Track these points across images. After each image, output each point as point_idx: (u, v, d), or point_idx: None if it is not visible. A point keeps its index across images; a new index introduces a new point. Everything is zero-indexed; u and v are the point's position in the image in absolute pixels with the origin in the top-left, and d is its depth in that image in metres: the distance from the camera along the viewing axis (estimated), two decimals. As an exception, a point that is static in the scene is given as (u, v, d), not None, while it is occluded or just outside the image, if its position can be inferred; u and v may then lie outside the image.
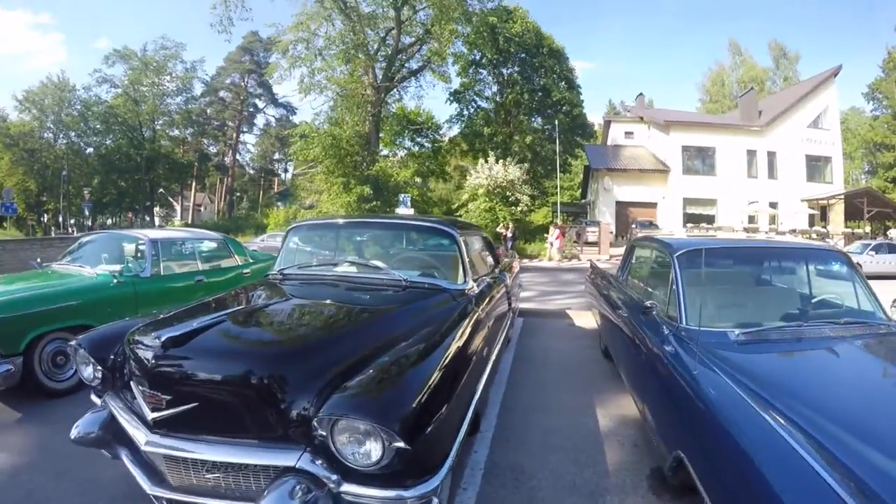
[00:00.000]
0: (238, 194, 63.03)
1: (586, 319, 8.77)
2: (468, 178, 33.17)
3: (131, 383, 2.85)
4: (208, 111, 55.62)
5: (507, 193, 31.26)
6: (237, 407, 2.52)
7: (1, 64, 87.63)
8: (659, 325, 3.76)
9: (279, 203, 51.22)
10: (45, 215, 52.20)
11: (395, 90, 35.72)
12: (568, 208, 43.40)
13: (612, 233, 31.77)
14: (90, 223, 45.24)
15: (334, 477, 2.28)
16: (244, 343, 2.92)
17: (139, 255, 6.75)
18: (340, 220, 5.42)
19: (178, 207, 59.03)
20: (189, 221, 51.71)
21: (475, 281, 4.42)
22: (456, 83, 41.89)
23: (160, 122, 50.92)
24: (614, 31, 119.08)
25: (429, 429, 2.34)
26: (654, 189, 35.80)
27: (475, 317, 3.88)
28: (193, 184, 56.66)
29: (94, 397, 3.41)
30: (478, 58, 41.23)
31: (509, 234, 26.80)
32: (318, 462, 2.32)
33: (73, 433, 3.04)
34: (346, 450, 2.24)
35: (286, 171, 66.21)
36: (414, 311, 3.57)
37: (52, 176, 47.76)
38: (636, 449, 4.10)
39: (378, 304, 3.72)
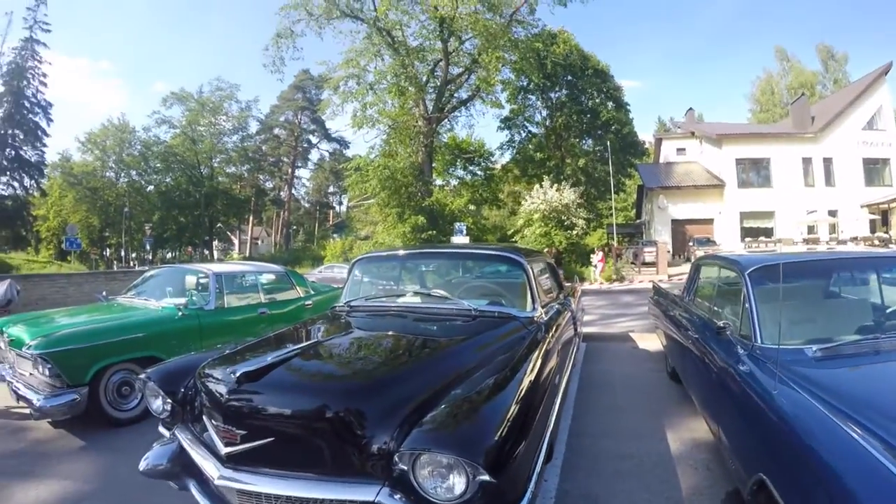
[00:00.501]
0: (294, 227, 64.22)
1: (650, 342, 8.61)
2: (522, 203, 33.05)
3: (203, 417, 2.89)
4: (264, 148, 56.92)
5: (563, 217, 31.01)
6: (314, 442, 2.52)
7: (65, 110, 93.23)
8: (732, 344, 3.64)
9: (335, 235, 52.04)
10: (108, 250, 54.01)
11: (446, 120, 36.00)
12: (623, 229, 42.84)
13: (669, 252, 31.16)
14: (150, 257, 47.46)
15: None
16: (319, 377, 2.95)
17: (203, 288, 6.91)
18: (405, 251, 5.44)
19: (236, 241, 60.50)
20: (247, 255, 52.84)
21: (543, 307, 4.37)
22: (506, 110, 42.18)
23: (217, 159, 52.33)
24: (658, 49, 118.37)
25: (510, 460, 2.30)
26: (709, 205, 34.94)
27: (546, 345, 3.82)
28: (251, 218, 57.95)
29: (161, 429, 3.47)
30: (526, 84, 41.15)
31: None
32: (397, 496, 2.29)
33: (143, 465, 3.11)
34: (428, 484, 2.21)
35: (341, 203, 67.41)
36: (485, 340, 3.53)
37: (114, 212, 49.40)
38: (709, 472, 3.98)
39: (449, 334, 3.71)
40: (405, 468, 2.24)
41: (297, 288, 8.17)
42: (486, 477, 2.10)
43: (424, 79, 33.37)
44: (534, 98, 43.83)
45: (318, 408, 2.53)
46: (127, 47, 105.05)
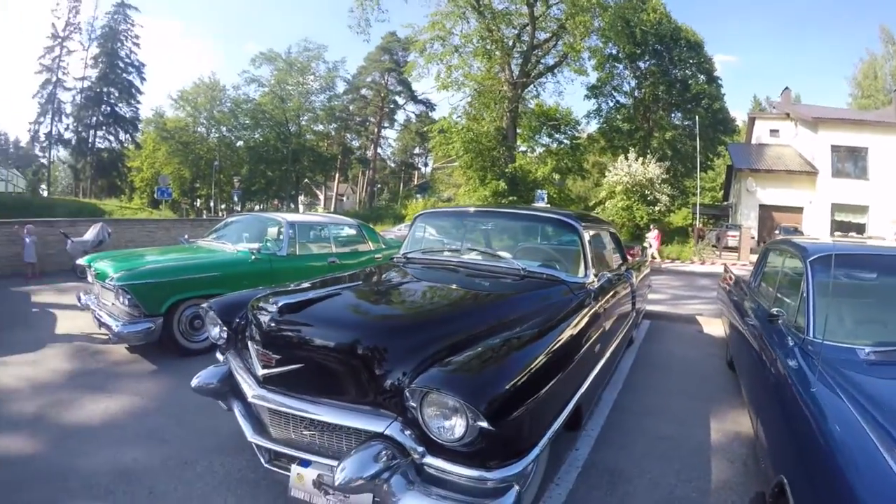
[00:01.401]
0: (379, 186, 65.16)
1: (716, 327, 8.31)
2: (606, 175, 32.33)
3: (249, 343, 3.11)
4: (351, 107, 57.67)
5: (646, 192, 30.18)
6: (339, 371, 2.69)
7: (159, 69, 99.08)
8: (785, 335, 3.41)
9: (418, 195, 52.44)
10: (198, 200, 56.79)
11: (532, 86, 35.34)
12: (708, 210, 40.93)
13: (753, 238, 29.60)
14: (238, 209, 48.63)
15: (420, 448, 2.36)
16: (354, 313, 3.11)
17: (278, 235, 7.33)
18: (465, 209, 5.59)
19: (321, 197, 61.74)
20: (331, 210, 53.98)
21: (596, 276, 4.31)
22: (592, 78, 40.83)
23: (305, 117, 53.42)
24: (756, 23, 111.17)
25: (517, 413, 2.34)
26: (800, 192, 32.31)
27: (591, 311, 3.82)
28: (336, 175, 59.27)
29: (218, 354, 3.84)
30: (614, 52, 39.55)
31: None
32: (407, 432, 2.41)
33: (195, 382, 3.48)
34: (433, 423, 2.30)
35: (426, 164, 67.86)
36: (529, 299, 3.57)
37: (204, 165, 51.62)
38: (745, 469, 3.82)
39: (492, 290, 3.78)
40: (414, 405, 2.34)
41: (369, 242, 8.51)
42: (484, 424, 2.15)
43: (511, 43, 32.84)
44: (621, 67, 41.95)
45: (345, 340, 2.68)
46: (218, 10, 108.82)
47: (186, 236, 8.42)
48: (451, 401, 2.23)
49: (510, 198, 29.65)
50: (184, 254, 7.03)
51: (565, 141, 38.08)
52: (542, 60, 35.01)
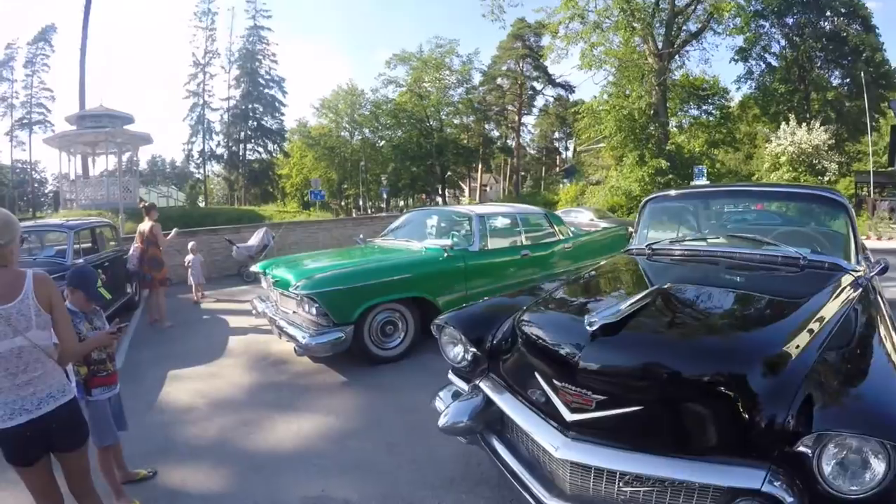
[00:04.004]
0: (522, 173, 64.72)
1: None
2: (768, 145, 29.73)
3: (536, 374, 2.48)
4: (488, 98, 57.60)
5: (814, 161, 27.31)
6: (692, 413, 2.11)
7: (299, 84, 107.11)
8: None
9: (565, 180, 51.54)
10: (345, 200, 58.79)
11: (677, 57, 33.34)
12: (873, 178, 36.20)
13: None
14: (385, 205, 51.36)
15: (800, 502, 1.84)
16: (688, 335, 2.46)
17: (466, 230, 6.84)
18: (701, 190, 5.01)
19: (465, 188, 62.68)
20: (477, 201, 54.35)
21: (863, 261, 3.59)
22: (739, 40, 37.20)
23: (445, 111, 53.87)
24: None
25: None
26: None
27: (880, 304, 3.13)
28: (479, 166, 59.46)
29: (453, 377, 3.29)
30: (759, 7, 35.85)
31: None
32: (786, 485, 1.85)
33: (443, 421, 2.83)
34: (832, 472, 1.81)
35: (567, 149, 66.68)
36: (826, 296, 2.83)
37: (350, 167, 53.54)
38: None
39: (789, 288, 3.16)
40: (806, 452, 1.84)
41: (557, 230, 7.76)
42: None
43: (650, 11, 31.06)
44: (767, 25, 37.52)
45: (703, 371, 2.09)
46: (346, 24, 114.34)
47: (361, 236, 8.08)
48: (869, 443, 1.76)
49: (669, 177, 27.83)
50: (366, 255, 6.67)
51: (714, 112, 35.38)
52: (685, 27, 32.92)
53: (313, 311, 5.30)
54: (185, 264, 10.32)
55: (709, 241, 3.99)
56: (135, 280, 9.26)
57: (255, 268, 7.06)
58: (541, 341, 2.53)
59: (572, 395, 2.20)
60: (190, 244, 10.50)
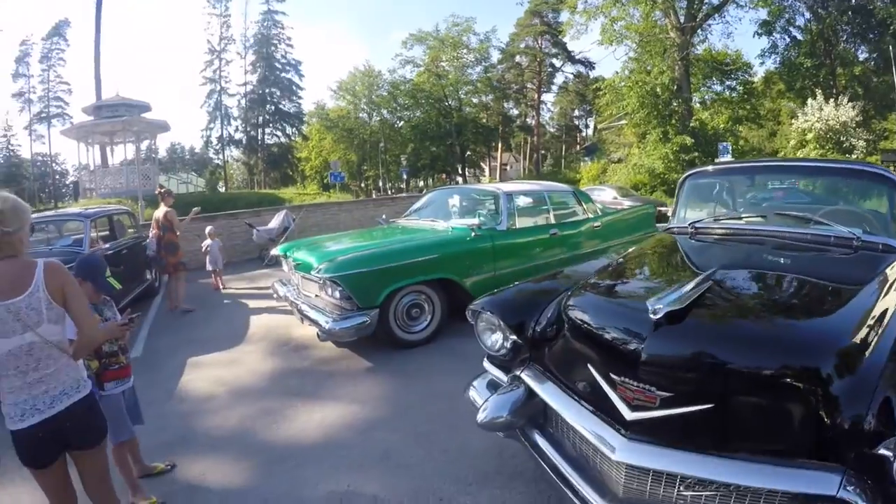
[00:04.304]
0: (542, 152, 64.18)
1: None
2: (794, 121, 28.86)
3: (589, 366, 2.24)
4: (506, 76, 57.02)
5: (841, 138, 26.55)
6: (760, 412, 1.89)
7: (316, 68, 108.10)
8: None
9: (586, 158, 50.98)
10: (365, 182, 58.35)
11: (699, 31, 32.49)
12: (892, 157, 35.15)
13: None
14: (405, 186, 51.07)
15: None
16: (760, 323, 2.17)
17: (492, 208, 6.66)
18: (743, 165, 4.71)
19: (486, 168, 62.43)
20: (497, 180, 54.10)
21: None
22: (763, 13, 36.31)
23: (463, 90, 53.35)
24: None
25: None
26: None
27: None
28: (499, 145, 59.07)
29: (489, 366, 3.06)
30: None
31: None
32: (858, 490, 1.63)
33: (481, 417, 2.58)
34: None
35: (587, 126, 65.58)
36: (887, 281, 2.58)
37: (369, 148, 53.41)
38: None
39: (850, 271, 2.93)
40: (888, 455, 1.60)
41: (585, 207, 7.49)
42: None
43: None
44: None
45: (776, 366, 1.86)
46: (359, 6, 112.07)
47: (384, 216, 7.90)
48: None
49: (693, 154, 27.32)
50: (390, 236, 6.44)
51: (738, 87, 34.63)
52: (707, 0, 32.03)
53: (336, 294, 5.12)
54: (203, 249, 10.02)
55: (754, 218, 3.77)
56: (154, 266, 9.19)
57: (275, 251, 6.91)
58: (593, 329, 2.31)
59: (634, 391, 1.98)
60: (207, 229, 10.18)
